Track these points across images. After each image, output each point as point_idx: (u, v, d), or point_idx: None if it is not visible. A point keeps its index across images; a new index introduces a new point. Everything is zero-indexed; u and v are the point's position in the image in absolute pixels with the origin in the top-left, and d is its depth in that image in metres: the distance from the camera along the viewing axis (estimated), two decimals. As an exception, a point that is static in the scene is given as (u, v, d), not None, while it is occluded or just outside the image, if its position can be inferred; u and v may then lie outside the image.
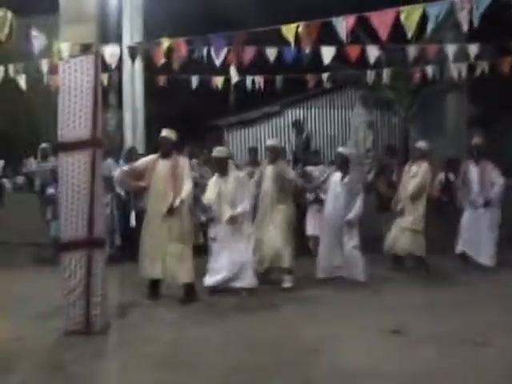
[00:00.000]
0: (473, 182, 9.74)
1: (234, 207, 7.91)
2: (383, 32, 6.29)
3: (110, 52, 7.16)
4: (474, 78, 11.31)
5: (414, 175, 9.53)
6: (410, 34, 6.32)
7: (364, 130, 12.11)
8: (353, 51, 8.16)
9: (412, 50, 9.06)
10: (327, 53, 8.08)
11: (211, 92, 11.50)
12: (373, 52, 8.45)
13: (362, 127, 12.06)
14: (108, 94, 12.67)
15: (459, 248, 9.83)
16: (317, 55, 8.22)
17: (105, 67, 10.36)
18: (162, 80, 11.46)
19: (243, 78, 11.00)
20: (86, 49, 6.23)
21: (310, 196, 11.07)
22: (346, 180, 8.78)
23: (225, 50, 7.70)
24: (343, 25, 6.53)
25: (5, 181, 11.92)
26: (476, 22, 6.11)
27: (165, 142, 7.78)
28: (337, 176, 8.92)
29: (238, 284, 7.99)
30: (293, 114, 15.58)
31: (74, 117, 6.26)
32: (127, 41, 11.63)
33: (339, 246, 8.69)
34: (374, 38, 8.03)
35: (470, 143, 12.19)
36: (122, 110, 12.47)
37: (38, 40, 7.12)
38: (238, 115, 15.30)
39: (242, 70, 10.21)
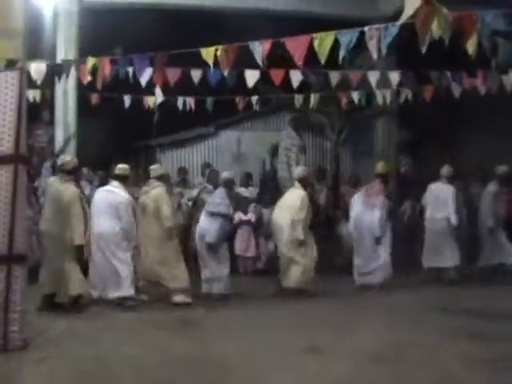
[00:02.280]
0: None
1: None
2: (298, 57, 6.53)
3: (36, 68, 7.16)
4: (402, 103, 11.83)
5: None
6: (323, 60, 6.59)
7: (296, 153, 12.32)
8: (276, 75, 8.38)
9: (335, 76, 9.34)
10: (251, 76, 8.27)
11: (143, 112, 11.57)
12: (296, 76, 8.69)
13: (293, 150, 12.27)
14: (40, 111, 12.57)
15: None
16: (243, 78, 8.43)
17: (37, 83, 10.43)
18: (94, 98, 11.49)
19: (174, 99, 11.14)
20: (11, 64, 6.25)
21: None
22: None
23: (149, 71, 7.86)
24: (260, 49, 6.74)
25: None
26: (384, 51, 6.42)
27: None
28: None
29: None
30: (227, 135, 15.76)
31: (-4, 132, 6.24)
32: (61, 57, 11.57)
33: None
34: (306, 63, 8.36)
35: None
36: (54, 127, 12.39)
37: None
38: (171, 136, 15.34)
39: (173, 91, 10.34)
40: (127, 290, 8.30)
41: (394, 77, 9.60)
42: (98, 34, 11.43)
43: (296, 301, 8.93)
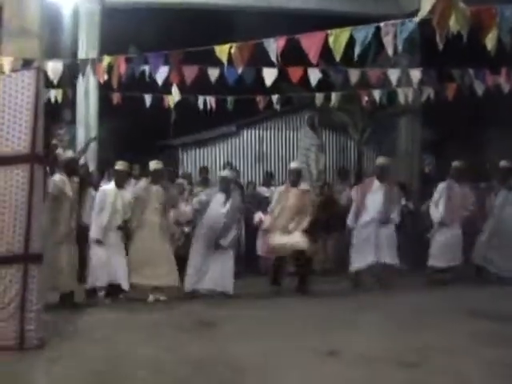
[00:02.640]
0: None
1: None
2: (313, 54, 6.43)
3: (52, 67, 7.16)
4: (425, 102, 11.66)
5: None
6: (338, 57, 6.47)
7: (315, 152, 12.23)
8: (294, 73, 8.29)
9: (355, 74, 9.19)
10: (269, 74, 8.19)
11: (164, 111, 11.55)
12: (314, 74, 8.57)
13: (312, 150, 12.18)
14: (62, 110, 12.64)
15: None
16: (261, 76, 8.36)
17: (59, 83, 10.46)
18: (115, 97, 11.50)
19: (195, 98, 11.10)
20: (27, 64, 6.26)
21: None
22: (227, 204, 9.18)
23: (165, 69, 7.84)
24: (274, 46, 6.66)
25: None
26: (400, 47, 6.29)
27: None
28: (220, 198, 9.25)
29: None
30: (249, 134, 15.71)
31: (13, 131, 6.24)
32: (83, 57, 11.62)
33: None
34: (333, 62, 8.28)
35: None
36: (76, 126, 12.46)
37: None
38: (194, 135, 15.33)
39: (193, 90, 10.31)
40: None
41: (415, 74, 9.44)
42: (118, 33, 11.48)
43: (314, 300, 8.87)
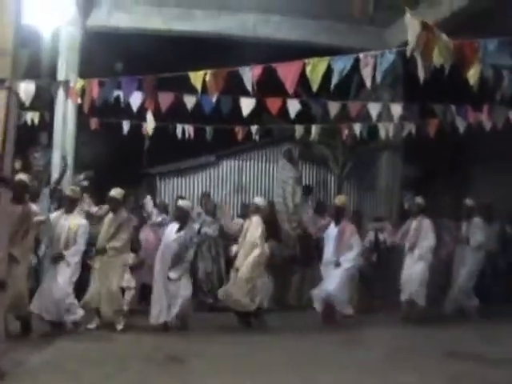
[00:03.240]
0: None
1: None
2: (290, 84, 6.29)
3: (25, 88, 6.96)
4: (407, 138, 11.61)
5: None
6: (315, 87, 6.33)
7: (292, 185, 12.10)
8: (273, 104, 8.15)
9: (334, 107, 9.08)
10: (246, 104, 8.05)
11: (143, 138, 11.37)
12: (293, 106, 8.43)
13: (289, 182, 12.05)
14: (38, 133, 12.42)
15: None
16: (240, 107, 8.22)
17: (35, 105, 10.26)
18: (94, 123, 11.32)
19: (173, 126, 10.95)
20: (-2, 83, 6.03)
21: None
22: (181, 233, 9.00)
23: (139, 95, 7.69)
24: (249, 75, 6.52)
25: None
26: (379, 78, 6.19)
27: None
28: (173, 226, 9.14)
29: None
30: (228, 165, 15.55)
31: (-20, 153, 6.02)
32: (62, 78, 11.45)
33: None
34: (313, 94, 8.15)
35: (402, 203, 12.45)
36: (52, 150, 12.23)
37: None
38: (172, 164, 15.14)
39: (171, 118, 10.19)
40: None
41: (396, 109, 9.35)
42: (99, 58, 11.32)
43: (289, 336, 8.69)
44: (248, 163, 15.66)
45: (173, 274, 8.85)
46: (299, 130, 10.92)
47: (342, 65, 6.19)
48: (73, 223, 8.58)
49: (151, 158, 14.91)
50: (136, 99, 7.87)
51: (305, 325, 9.58)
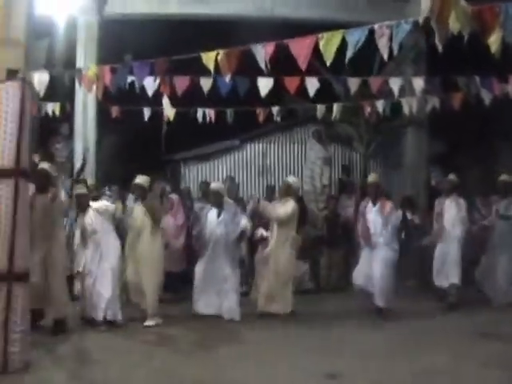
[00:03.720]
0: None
1: None
2: (303, 60, 6.10)
3: (38, 78, 6.91)
4: (431, 113, 11.31)
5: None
6: (328, 62, 6.13)
7: (320, 165, 11.95)
8: (291, 83, 7.94)
9: (354, 83, 8.82)
10: (264, 84, 7.87)
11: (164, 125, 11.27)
12: (312, 84, 8.21)
13: (318, 163, 11.91)
14: (59, 124, 12.41)
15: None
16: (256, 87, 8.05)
17: (57, 96, 10.23)
18: (114, 111, 11.26)
19: (194, 111, 10.83)
20: (11, 75, 6.00)
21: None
22: (221, 217, 8.82)
23: (151, 79, 7.58)
24: (262, 53, 6.36)
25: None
26: (396, 49, 5.97)
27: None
28: (213, 212, 8.92)
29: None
30: (252, 148, 15.44)
31: (-3, 145, 6.01)
32: (81, 65, 11.42)
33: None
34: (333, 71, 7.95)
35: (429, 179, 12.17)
36: (74, 141, 12.25)
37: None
38: (196, 149, 15.08)
39: (191, 103, 10.08)
40: None
41: (419, 83, 9.03)
42: (117, 45, 11.24)
43: (316, 320, 8.57)
44: (272, 145, 15.54)
45: (222, 262, 8.75)
46: (321, 109, 10.66)
47: (356, 37, 5.97)
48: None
49: (174, 144, 14.87)
50: (150, 84, 7.78)
51: (334, 308, 9.44)
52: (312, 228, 11.73)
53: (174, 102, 9.96)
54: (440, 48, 5.31)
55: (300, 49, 6.06)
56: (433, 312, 9.13)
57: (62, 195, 7.91)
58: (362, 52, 6.45)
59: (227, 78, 7.03)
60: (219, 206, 8.89)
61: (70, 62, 11.76)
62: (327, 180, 12.06)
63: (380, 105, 10.25)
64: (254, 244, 11.18)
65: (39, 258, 7.44)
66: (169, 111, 9.45)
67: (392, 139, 14.26)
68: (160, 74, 7.31)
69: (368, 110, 10.48)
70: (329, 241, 11.59)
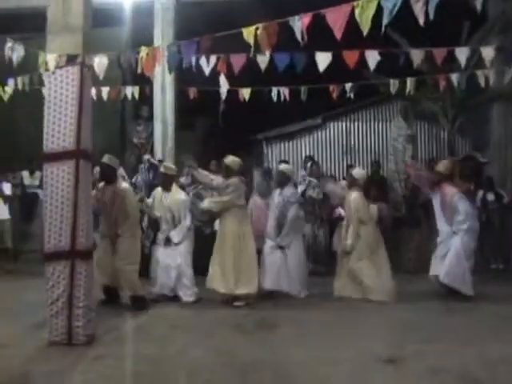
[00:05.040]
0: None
1: None
2: (338, 30, 5.92)
3: (98, 62, 7.11)
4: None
5: None
6: (365, 32, 5.89)
7: (402, 143, 11.64)
8: (350, 57, 7.73)
9: (418, 55, 8.39)
10: (322, 59, 7.71)
11: (242, 104, 11.26)
12: (373, 57, 7.94)
13: (400, 141, 11.61)
14: (139, 107, 12.74)
15: None
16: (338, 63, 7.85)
17: (136, 79, 10.47)
18: (192, 92, 11.39)
19: (269, 90, 10.78)
20: (71, 60, 6.23)
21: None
22: (280, 196, 8.85)
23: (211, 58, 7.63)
24: (299, 24, 6.22)
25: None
26: (432, 14, 5.67)
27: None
28: (276, 192, 8.99)
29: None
30: (335, 127, 15.25)
31: (58, 127, 6.26)
32: (158, 44, 11.62)
33: None
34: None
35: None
36: (153, 123, 12.53)
37: (16, 52, 7.19)
38: (278, 128, 15.05)
39: (264, 82, 10.06)
40: None
41: (488, 53, 8.47)
42: (192, 27, 11.33)
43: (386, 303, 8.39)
44: (356, 124, 15.28)
45: (280, 240, 8.77)
46: (394, 84, 10.31)
47: (392, 2, 5.70)
48: (173, 199, 8.62)
49: (259, 124, 14.90)
50: (206, 63, 7.83)
51: (408, 291, 9.21)
52: (393, 208, 11.51)
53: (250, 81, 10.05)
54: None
55: (336, 19, 5.89)
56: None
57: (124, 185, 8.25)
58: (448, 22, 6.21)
59: (267, 53, 6.98)
60: (283, 186, 8.91)
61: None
62: (409, 157, 11.71)
63: (454, 78, 9.77)
64: (334, 222, 11.15)
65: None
66: (225, 88, 9.46)
67: (478, 115, 13.66)
68: (205, 52, 7.36)
69: (443, 83, 10.01)
70: (409, 222, 11.32)
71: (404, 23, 7.20)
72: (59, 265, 6.22)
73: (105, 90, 10.91)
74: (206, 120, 14.04)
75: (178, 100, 12.53)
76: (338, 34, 5.98)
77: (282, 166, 9.45)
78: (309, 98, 11.18)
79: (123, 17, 11.71)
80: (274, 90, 10.79)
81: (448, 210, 8.60)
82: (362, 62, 7.90)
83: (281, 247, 8.73)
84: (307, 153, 14.56)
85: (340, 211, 11.22)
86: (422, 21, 5.74)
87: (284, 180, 8.96)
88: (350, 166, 12.46)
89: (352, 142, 15.15)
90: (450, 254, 8.39)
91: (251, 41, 6.60)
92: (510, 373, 5.39)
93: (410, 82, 10.07)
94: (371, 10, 5.78)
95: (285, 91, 10.75)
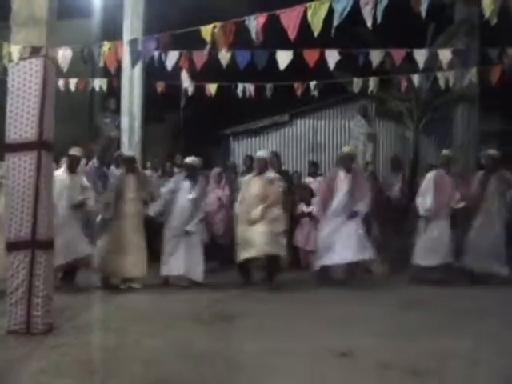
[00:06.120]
0: None
1: None
2: (292, 31, 6.09)
3: (62, 55, 7.18)
4: (485, 87, 10.90)
5: None
6: (316, 33, 6.06)
7: (364, 141, 11.84)
8: (310, 56, 7.88)
9: (377, 56, 8.55)
10: (283, 57, 7.84)
11: (208, 99, 11.32)
12: (332, 57, 8.10)
13: (361, 139, 11.80)
14: (107, 99, 12.75)
15: None
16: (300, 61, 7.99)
17: (105, 72, 10.49)
18: (160, 86, 11.44)
19: (235, 86, 10.87)
20: (35, 52, 6.27)
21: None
22: (195, 189, 9.42)
23: (172, 54, 7.73)
24: (254, 24, 6.38)
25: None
26: (379, 17, 5.85)
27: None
28: (186, 185, 9.46)
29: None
30: (302, 124, 15.41)
31: (21, 118, 6.33)
32: (127, 38, 11.64)
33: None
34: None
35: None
36: (120, 115, 12.56)
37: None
38: (246, 124, 15.17)
39: (232, 77, 10.17)
40: None
41: (445, 55, 8.66)
42: (161, 16, 11.39)
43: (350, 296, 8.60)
44: (322, 121, 15.46)
45: (190, 227, 9.33)
46: (357, 83, 10.48)
47: (343, 5, 5.86)
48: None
49: (226, 119, 14.99)
50: (171, 59, 7.93)
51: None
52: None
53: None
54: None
55: (290, 20, 6.05)
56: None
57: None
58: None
59: (224, 51, 7.13)
60: (193, 179, 9.52)
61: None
62: (370, 157, 11.91)
63: (415, 79, 9.97)
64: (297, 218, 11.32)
65: None
66: (186, 85, 9.57)
67: (444, 115, 13.93)
68: (164, 49, 7.46)
69: (404, 84, 10.21)
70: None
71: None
72: (19, 254, 6.29)
73: (72, 82, 10.93)
74: (175, 114, 14.08)
75: (146, 93, 12.57)
76: (293, 35, 6.13)
77: (259, 153, 9.87)
78: (276, 94, 11.31)
79: (93, 9, 11.70)
80: (240, 86, 10.86)
81: None
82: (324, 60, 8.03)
83: None
84: (274, 149, 14.69)
85: (302, 207, 11.44)
86: (369, 23, 5.90)
87: (194, 173, 9.51)
88: (312, 164, 12.63)
89: (318, 140, 15.31)
90: None
91: (208, 39, 6.72)
92: (458, 366, 5.50)
93: (372, 81, 10.24)
94: (323, 12, 5.92)
95: (250, 87, 10.84)
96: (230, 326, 6.99)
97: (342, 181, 9.44)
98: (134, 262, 8.99)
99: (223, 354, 5.81)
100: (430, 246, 9.70)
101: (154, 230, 9.73)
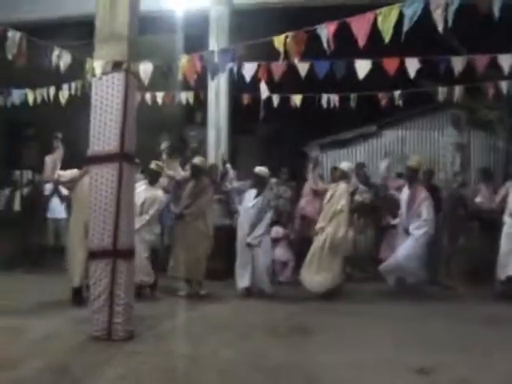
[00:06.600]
0: None
1: None
2: (362, 38, 5.98)
3: (144, 69, 7.38)
4: None
5: None
6: (387, 39, 5.92)
7: (452, 152, 11.50)
8: (390, 64, 7.72)
9: (459, 62, 8.24)
10: (362, 66, 7.73)
11: (294, 111, 11.28)
12: (413, 65, 7.91)
13: (449, 149, 11.47)
14: (194, 112, 12.98)
15: None
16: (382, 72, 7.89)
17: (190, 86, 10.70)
18: (246, 99, 11.51)
19: (319, 97, 10.79)
20: (116, 66, 6.49)
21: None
22: (257, 199, 9.33)
23: (250, 65, 7.78)
24: (325, 32, 6.32)
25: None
26: (450, 20, 5.64)
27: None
28: (251, 193, 9.44)
29: None
30: (390, 134, 15.12)
31: (103, 131, 6.54)
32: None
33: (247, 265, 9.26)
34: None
35: None
36: (207, 128, 12.76)
37: (63, 59, 7.59)
38: (333, 136, 15.06)
39: (312, 88, 10.14)
40: None
41: (505, 60, 8.17)
42: (247, 35, 11.50)
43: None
44: (411, 132, 15.08)
45: (251, 239, 9.25)
46: (442, 91, 10.16)
47: (413, 9, 5.71)
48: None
49: (311, 130, 14.93)
50: (249, 70, 7.98)
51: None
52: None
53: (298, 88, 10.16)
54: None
55: (360, 27, 5.97)
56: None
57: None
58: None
59: (296, 60, 7.09)
60: (260, 188, 9.51)
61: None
62: (459, 167, 11.53)
63: (503, 86, 9.55)
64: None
65: None
66: (265, 96, 9.56)
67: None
68: (239, 60, 7.53)
69: (491, 91, 9.81)
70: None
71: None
72: (101, 263, 6.49)
73: (159, 95, 11.19)
74: (264, 126, 14.17)
75: (233, 106, 12.70)
76: (362, 42, 6.06)
77: (257, 169, 9.73)
78: (360, 105, 11.16)
79: (176, 24, 11.98)
80: (324, 97, 10.79)
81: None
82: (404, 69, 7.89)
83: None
84: (361, 160, 14.48)
85: (389, 219, 11.22)
86: (441, 28, 5.74)
87: (260, 182, 9.52)
88: (399, 176, 12.34)
89: (407, 150, 14.96)
90: None
91: (281, 49, 6.74)
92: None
93: (458, 89, 9.93)
94: (393, 17, 5.82)
95: (334, 98, 10.76)
96: (306, 338, 6.93)
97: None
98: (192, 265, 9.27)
99: (299, 366, 5.78)
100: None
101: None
